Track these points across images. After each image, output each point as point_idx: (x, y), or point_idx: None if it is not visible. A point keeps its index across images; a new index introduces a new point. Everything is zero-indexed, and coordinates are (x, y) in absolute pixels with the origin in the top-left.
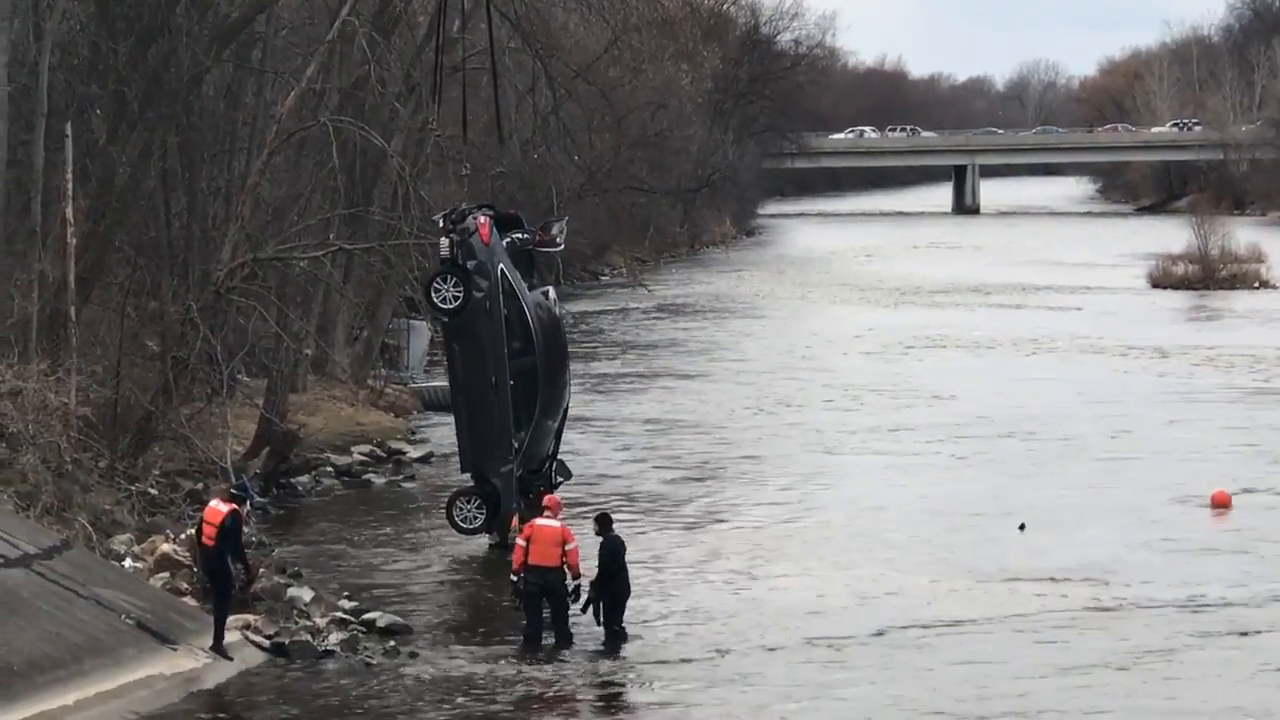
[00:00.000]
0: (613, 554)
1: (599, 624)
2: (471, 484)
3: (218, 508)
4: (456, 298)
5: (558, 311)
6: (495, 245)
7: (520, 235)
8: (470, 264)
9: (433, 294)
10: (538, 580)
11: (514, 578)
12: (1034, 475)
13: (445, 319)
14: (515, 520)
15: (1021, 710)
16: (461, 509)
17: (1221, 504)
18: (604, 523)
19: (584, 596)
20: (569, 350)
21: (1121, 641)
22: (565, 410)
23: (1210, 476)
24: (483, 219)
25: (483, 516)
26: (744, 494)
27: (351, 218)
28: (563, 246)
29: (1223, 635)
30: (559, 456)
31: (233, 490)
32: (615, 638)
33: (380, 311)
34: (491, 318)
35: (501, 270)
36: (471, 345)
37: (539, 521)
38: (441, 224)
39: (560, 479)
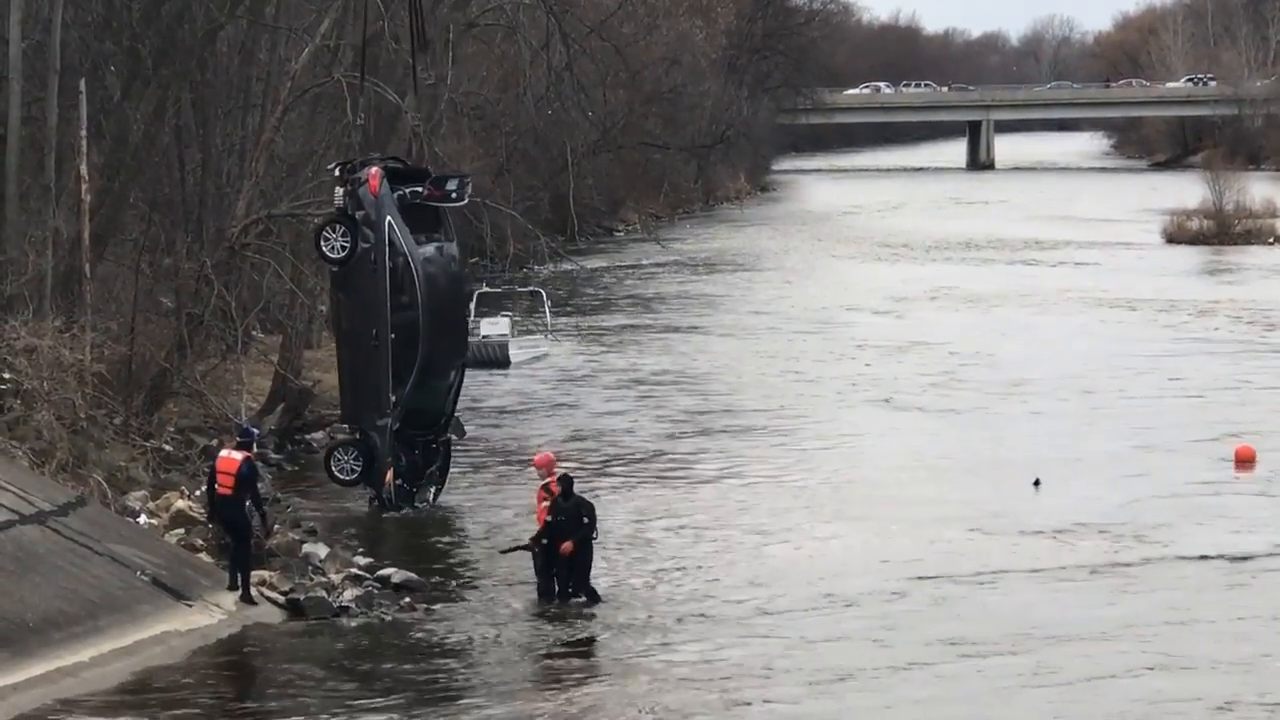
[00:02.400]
0: (580, 515)
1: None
2: (351, 435)
3: (231, 456)
4: (344, 248)
5: (454, 269)
6: (385, 197)
7: (413, 189)
8: (359, 215)
9: (322, 243)
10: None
11: (536, 548)
12: (1051, 430)
13: (333, 268)
14: (390, 475)
15: (1038, 666)
16: (339, 460)
17: (1246, 459)
18: (567, 484)
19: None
20: (467, 308)
21: (1146, 594)
22: (462, 369)
23: (1232, 431)
24: (374, 170)
25: (360, 469)
26: (754, 449)
27: None
28: (463, 203)
29: (1247, 588)
30: (455, 414)
31: (239, 439)
32: (590, 599)
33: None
34: (376, 270)
35: (390, 223)
36: (355, 297)
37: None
38: (338, 174)
39: (454, 436)
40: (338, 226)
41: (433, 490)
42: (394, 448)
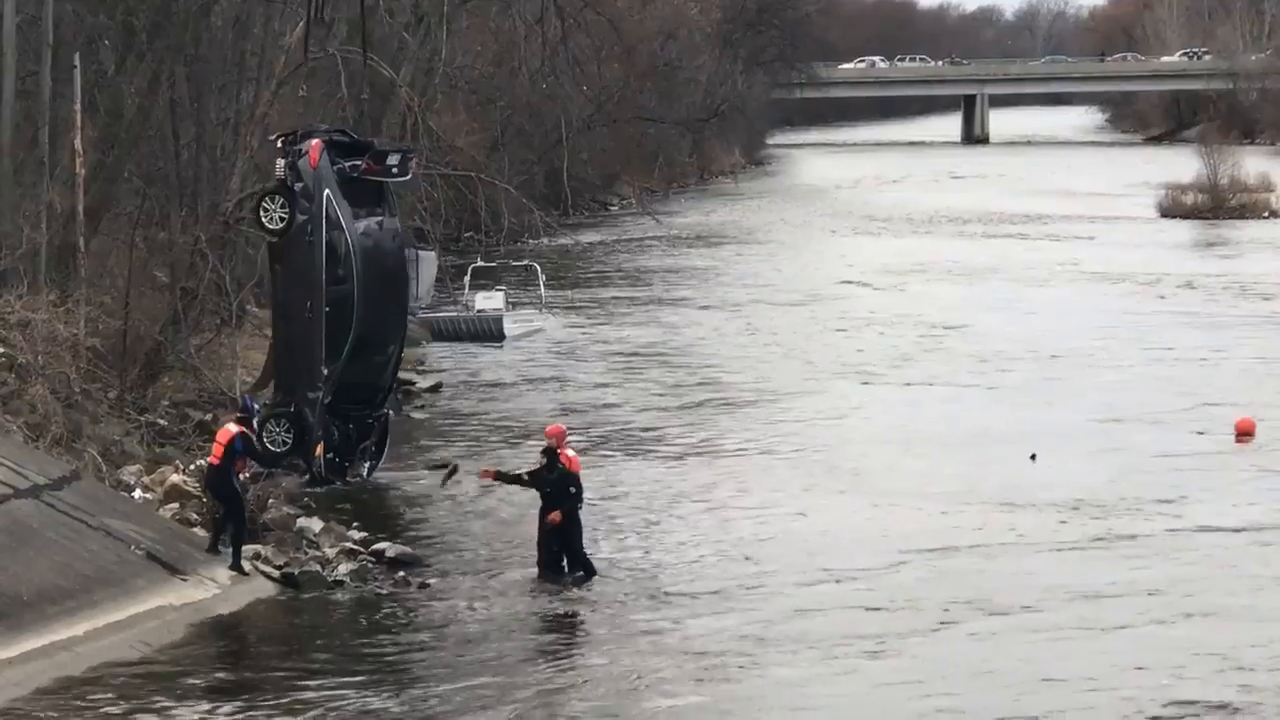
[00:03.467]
0: (566, 486)
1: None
2: (283, 407)
3: (228, 428)
4: (282, 219)
5: (394, 244)
6: (324, 170)
7: (352, 164)
8: (298, 186)
9: (261, 213)
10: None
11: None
12: (1047, 404)
13: (271, 239)
14: (320, 448)
15: (1039, 626)
16: (270, 431)
17: (1246, 431)
18: (552, 456)
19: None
20: (406, 284)
21: (1149, 562)
22: (401, 344)
23: (1231, 404)
24: (314, 142)
25: (291, 441)
26: (747, 422)
27: None
28: (406, 177)
29: (1250, 562)
30: (393, 390)
31: (240, 412)
32: (584, 570)
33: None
34: (312, 243)
35: (327, 196)
36: (291, 269)
37: (570, 453)
38: (280, 145)
39: (391, 412)
40: (276, 198)
41: (367, 465)
42: (326, 421)
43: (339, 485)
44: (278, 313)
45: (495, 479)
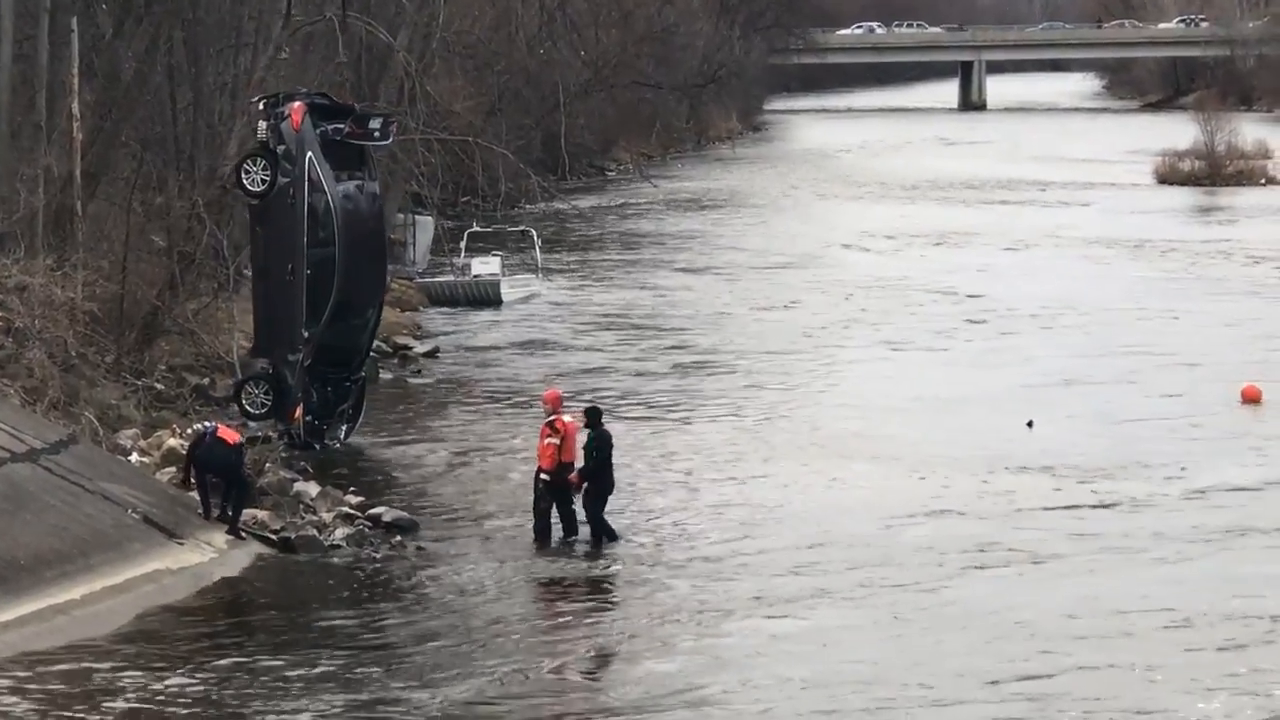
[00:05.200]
0: (603, 448)
1: (585, 517)
2: (262, 370)
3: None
4: (264, 181)
5: (375, 208)
6: (306, 133)
7: (334, 126)
8: (280, 149)
9: (242, 176)
10: (560, 475)
11: (545, 476)
12: (1045, 370)
13: (252, 201)
14: (299, 411)
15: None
16: (250, 394)
17: (1252, 398)
18: (594, 416)
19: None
20: (386, 248)
21: (1134, 535)
22: (379, 309)
23: (1235, 371)
24: (296, 105)
25: (270, 403)
26: (744, 390)
27: None
28: (386, 142)
29: (1262, 532)
30: (371, 354)
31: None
32: (601, 531)
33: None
34: (294, 206)
35: (310, 159)
36: (272, 231)
37: (567, 418)
38: (262, 107)
39: (365, 375)
40: (258, 160)
41: (344, 428)
42: (305, 384)
43: (316, 448)
44: (258, 275)
45: (582, 480)
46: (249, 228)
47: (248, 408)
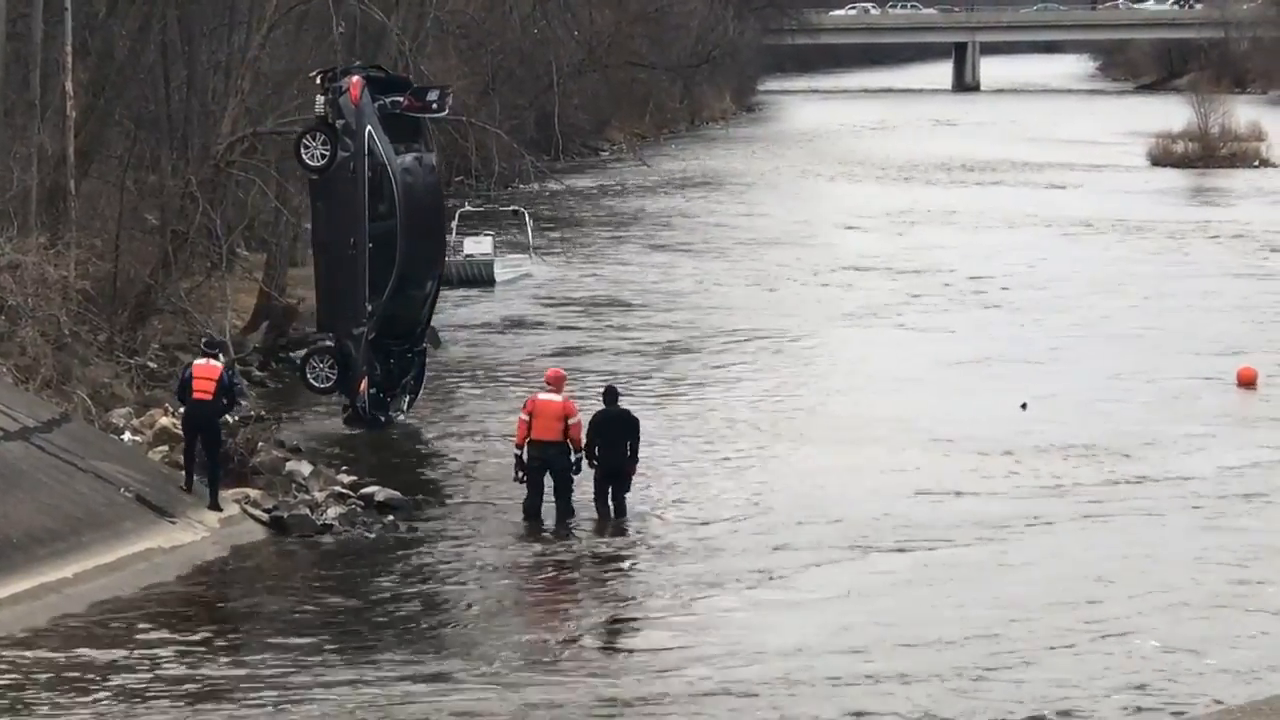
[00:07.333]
0: (598, 427)
1: (595, 497)
2: (327, 343)
3: (211, 364)
4: (324, 156)
5: (432, 179)
6: (365, 106)
7: (393, 99)
8: (339, 123)
9: (301, 151)
10: (539, 454)
11: (517, 451)
12: (1039, 352)
13: (312, 176)
14: (364, 384)
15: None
16: (315, 367)
17: (1248, 381)
18: (611, 396)
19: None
20: (445, 218)
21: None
22: (439, 279)
23: (1231, 353)
24: (355, 79)
25: (335, 377)
26: (737, 368)
27: None
28: (444, 113)
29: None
30: (431, 324)
31: (207, 348)
32: (618, 511)
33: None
34: (354, 179)
35: (370, 132)
36: (333, 205)
37: (541, 396)
38: (319, 82)
39: (430, 345)
40: (317, 135)
41: (406, 400)
42: (369, 357)
43: (381, 420)
44: (319, 249)
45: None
46: (309, 203)
47: (313, 381)
